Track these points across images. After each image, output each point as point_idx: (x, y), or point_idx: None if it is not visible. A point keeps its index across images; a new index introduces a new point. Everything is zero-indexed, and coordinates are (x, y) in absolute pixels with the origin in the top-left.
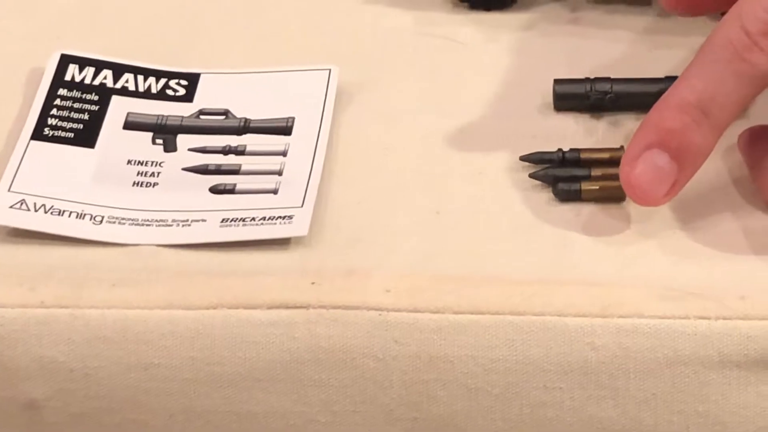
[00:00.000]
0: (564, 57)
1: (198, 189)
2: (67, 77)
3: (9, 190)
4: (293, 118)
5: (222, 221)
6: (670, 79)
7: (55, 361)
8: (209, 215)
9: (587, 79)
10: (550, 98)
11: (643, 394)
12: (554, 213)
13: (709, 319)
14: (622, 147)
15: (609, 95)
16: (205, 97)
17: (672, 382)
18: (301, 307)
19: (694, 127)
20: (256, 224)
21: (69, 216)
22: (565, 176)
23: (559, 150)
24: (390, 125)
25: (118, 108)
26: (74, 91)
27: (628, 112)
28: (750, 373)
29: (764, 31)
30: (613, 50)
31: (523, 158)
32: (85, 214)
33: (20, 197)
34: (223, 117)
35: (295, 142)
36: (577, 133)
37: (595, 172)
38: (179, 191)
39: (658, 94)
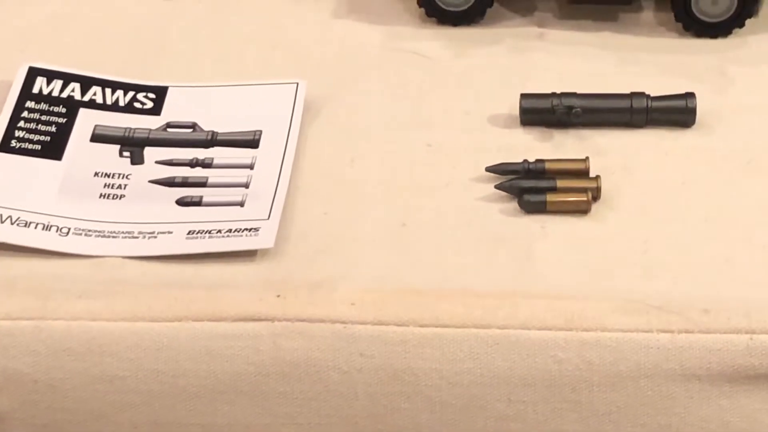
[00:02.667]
0: (531, 72)
1: (165, 201)
2: (35, 90)
3: None
4: (260, 132)
5: (188, 233)
6: (636, 95)
7: (20, 372)
8: (175, 227)
9: (553, 94)
10: (516, 112)
11: (607, 407)
12: (519, 224)
13: (672, 332)
14: (587, 158)
15: (575, 110)
16: (172, 110)
17: (635, 395)
18: (266, 319)
19: None
20: (223, 236)
21: (35, 228)
22: (530, 187)
23: (525, 161)
24: (357, 138)
25: (86, 120)
26: (42, 103)
27: (593, 127)
28: (712, 386)
29: None
30: (580, 66)
31: (488, 169)
32: (51, 226)
33: None
34: (190, 130)
35: (262, 155)
36: (543, 146)
37: (561, 183)
38: (146, 203)
39: (623, 110)
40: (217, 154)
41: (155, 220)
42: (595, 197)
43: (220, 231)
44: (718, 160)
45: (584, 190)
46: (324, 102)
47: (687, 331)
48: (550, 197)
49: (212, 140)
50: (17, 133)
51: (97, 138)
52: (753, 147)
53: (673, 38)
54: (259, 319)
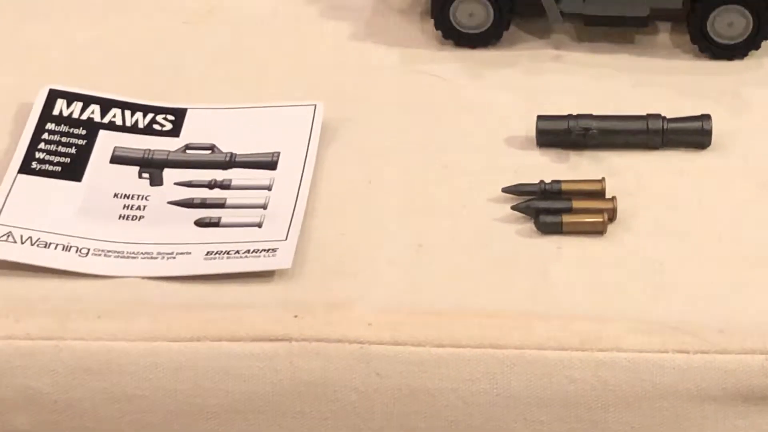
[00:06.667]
0: (547, 93)
1: (183, 222)
2: (55, 112)
3: None
4: (278, 153)
5: (207, 254)
6: (651, 117)
7: (40, 392)
8: (194, 248)
9: (569, 116)
10: (533, 134)
11: (622, 427)
12: (535, 245)
13: (687, 353)
14: (603, 179)
15: (590, 131)
16: (192, 132)
17: (650, 414)
18: (283, 340)
19: None
20: (241, 257)
21: (55, 248)
22: (546, 208)
23: (541, 182)
24: (374, 160)
25: (106, 142)
26: (62, 125)
27: (609, 149)
28: (727, 406)
29: None
30: (595, 87)
31: (505, 190)
32: (71, 247)
33: (7, 230)
34: (209, 151)
35: (280, 176)
36: (560, 167)
37: (577, 204)
38: (165, 224)
39: (638, 132)
40: (236, 175)
41: (174, 241)
42: (611, 218)
43: (238, 252)
44: (734, 182)
45: (600, 211)
46: (341, 123)
47: (702, 352)
48: (566, 218)
49: (231, 162)
50: (38, 155)
51: (116, 159)
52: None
53: (688, 60)
54: (277, 339)
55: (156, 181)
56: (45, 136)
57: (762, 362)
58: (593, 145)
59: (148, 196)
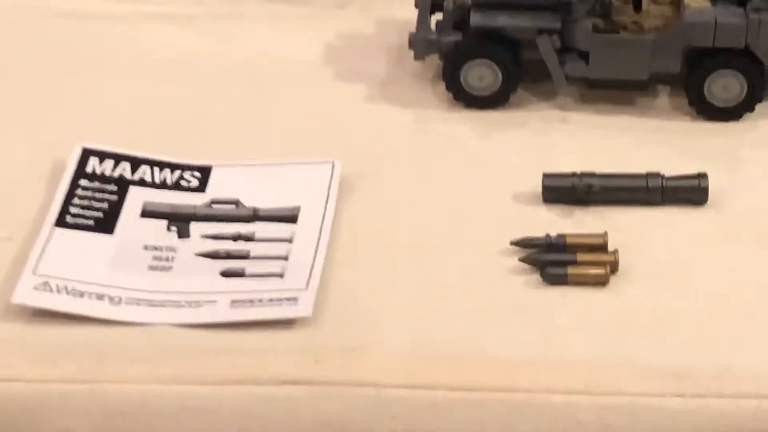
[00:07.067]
0: (553, 152)
1: (209, 273)
2: (89, 169)
3: (33, 273)
4: (299, 207)
5: (231, 303)
6: (651, 175)
7: None
8: (220, 297)
9: (574, 174)
10: (539, 190)
11: None
12: (542, 295)
13: (684, 396)
14: (605, 233)
15: (594, 188)
16: (217, 188)
17: None
18: (304, 383)
19: None
20: (264, 305)
21: (89, 297)
22: (552, 261)
23: (547, 235)
24: (389, 213)
25: (136, 197)
26: (95, 182)
27: (612, 205)
28: None
29: None
30: (599, 147)
31: (513, 243)
32: (104, 296)
33: (44, 279)
34: (233, 206)
35: (300, 229)
36: (565, 222)
37: (581, 257)
38: (192, 275)
39: (638, 189)
40: (259, 228)
41: (201, 290)
42: (613, 270)
43: (261, 300)
44: (729, 236)
45: (603, 264)
46: (358, 179)
47: (699, 396)
48: (571, 270)
49: (254, 216)
50: (72, 209)
51: (146, 214)
52: (762, 225)
53: (687, 121)
54: (298, 383)
55: (183, 233)
56: (79, 191)
57: (756, 406)
58: (596, 202)
59: (176, 248)
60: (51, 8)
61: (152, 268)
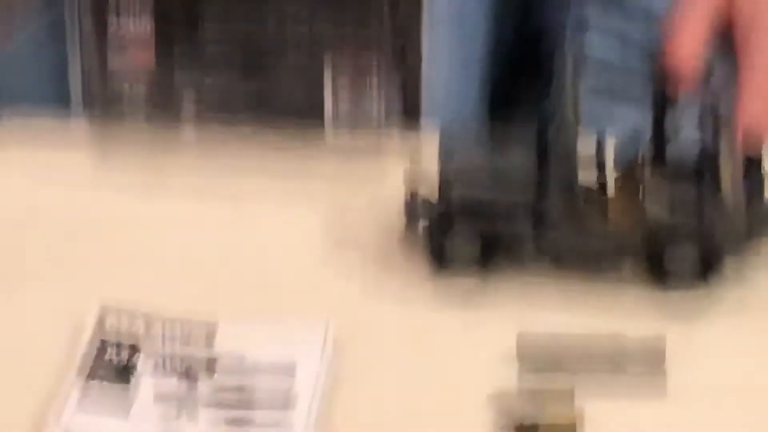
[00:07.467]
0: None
1: None
2: (107, 327)
3: None
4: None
5: None
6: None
7: None
8: None
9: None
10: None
11: None
12: None
13: None
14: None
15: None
16: (223, 343)
17: None
18: None
19: None
20: None
21: None
22: None
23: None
24: (378, 372)
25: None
26: (111, 338)
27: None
28: None
29: None
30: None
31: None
32: None
33: None
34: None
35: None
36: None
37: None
38: None
39: (604, 355)
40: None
41: None
42: None
43: None
44: (688, 399)
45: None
46: (350, 339)
47: None
48: None
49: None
50: (93, 364)
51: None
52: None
53: (646, 290)
54: None
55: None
56: (98, 345)
57: None
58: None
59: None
60: None
61: None
